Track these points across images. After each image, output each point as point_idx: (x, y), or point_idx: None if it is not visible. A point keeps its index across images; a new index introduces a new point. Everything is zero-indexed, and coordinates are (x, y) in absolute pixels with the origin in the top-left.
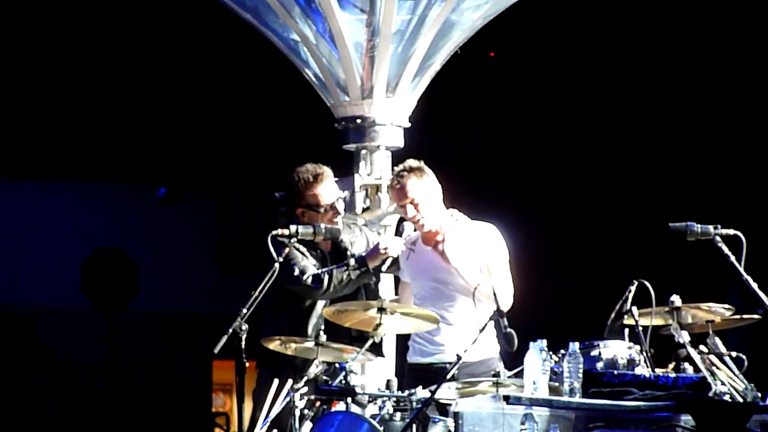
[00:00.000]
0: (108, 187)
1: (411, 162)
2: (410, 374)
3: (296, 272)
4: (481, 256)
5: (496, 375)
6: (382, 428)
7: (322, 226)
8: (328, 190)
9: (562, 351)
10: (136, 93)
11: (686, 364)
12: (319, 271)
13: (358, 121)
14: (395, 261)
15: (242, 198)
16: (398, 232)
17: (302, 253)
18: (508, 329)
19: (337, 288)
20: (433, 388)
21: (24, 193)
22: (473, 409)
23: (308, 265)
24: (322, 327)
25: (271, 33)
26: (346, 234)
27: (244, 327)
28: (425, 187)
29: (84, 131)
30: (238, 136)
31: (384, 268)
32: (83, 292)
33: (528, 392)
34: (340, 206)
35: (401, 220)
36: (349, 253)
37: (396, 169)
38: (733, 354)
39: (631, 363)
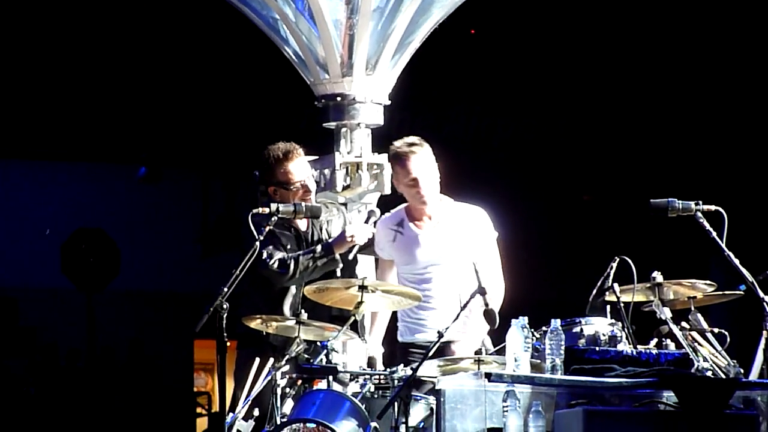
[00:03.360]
0: (88, 167)
1: (413, 138)
2: (401, 353)
3: (264, 256)
4: (471, 239)
5: (478, 352)
6: (363, 406)
7: (303, 204)
8: (298, 167)
9: (544, 328)
10: (117, 73)
11: (668, 341)
12: (286, 256)
13: (338, 98)
14: (369, 244)
15: (223, 177)
16: (367, 220)
17: (275, 234)
18: (490, 306)
19: (303, 274)
20: (414, 366)
21: (3, 174)
22: (455, 386)
23: (276, 250)
24: (300, 306)
25: (250, 11)
26: (324, 213)
27: (225, 306)
28: (431, 162)
29: (64, 111)
30: (219, 116)
31: (351, 256)
32: (63, 273)
33: (510, 369)
34: (311, 184)
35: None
36: (317, 237)
37: (398, 143)
38: (716, 330)
39: (613, 339)
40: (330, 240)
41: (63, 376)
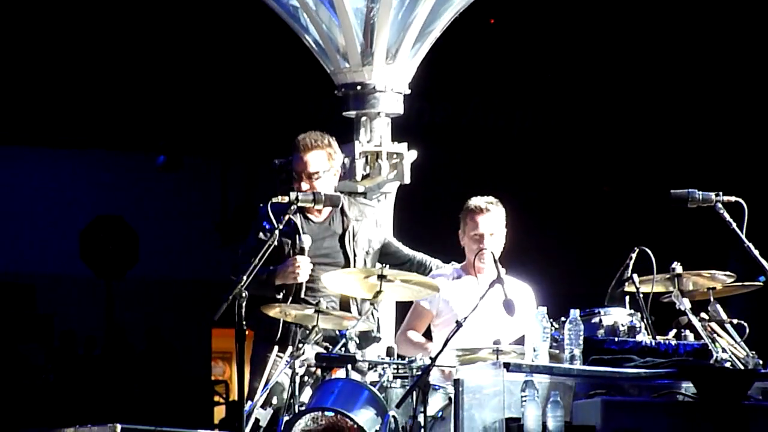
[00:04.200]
0: (108, 155)
1: (491, 197)
2: None
3: (240, 251)
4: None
5: (497, 342)
6: (382, 395)
7: (322, 193)
8: (307, 159)
9: (563, 318)
10: (137, 61)
11: (687, 332)
12: (246, 267)
13: (358, 87)
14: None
15: (242, 165)
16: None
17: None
18: (508, 296)
19: (251, 288)
20: (433, 355)
21: (24, 161)
22: (474, 376)
23: (246, 256)
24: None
25: None
26: (353, 210)
27: (244, 295)
28: (501, 225)
29: (84, 99)
30: (238, 104)
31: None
32: (83, 260)
33: (528, 359)
34: (328, 178)
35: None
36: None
37: (475, 199)
38: (735, 321)
39: (632, 330)
40: (279, 267)
41: (81, 363)
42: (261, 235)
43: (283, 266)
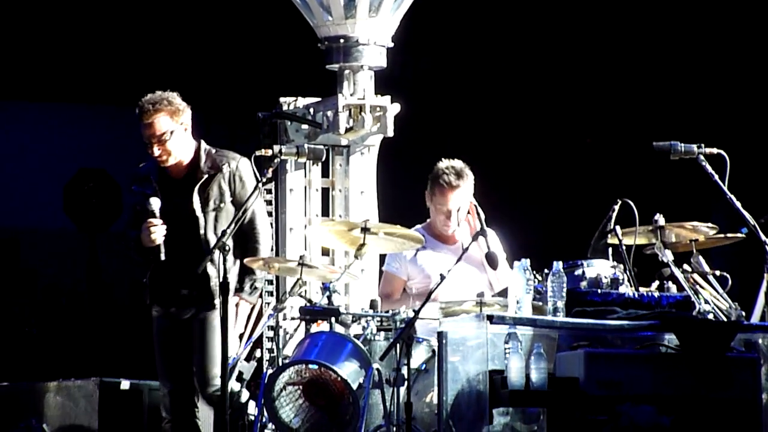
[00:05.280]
0: (91, 108)
1: (460, 165)
2: None
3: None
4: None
5: (480, 294)
6: (366, 348)
7: (305, 146)
8: (149, 123)
9: (546, 270)
10: (119, 15)
11: (670, 283)
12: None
13: (341, 41)
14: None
15: (225, 119)
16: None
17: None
18: (491, 249)
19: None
20: (416, 307)
21: (5, 115)
22: (457, 328)
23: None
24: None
25: None
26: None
27: (228, 247)
28: (469, 196)
29: (67, 53)
30: (220, 58)
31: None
32: (66, 213)
33: (512, 312)
34: (173, 141)
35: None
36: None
37: (445, 167)
38: (717, 273)
39: (615, 282)
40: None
41: (64, 317)
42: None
43: (143, 231)
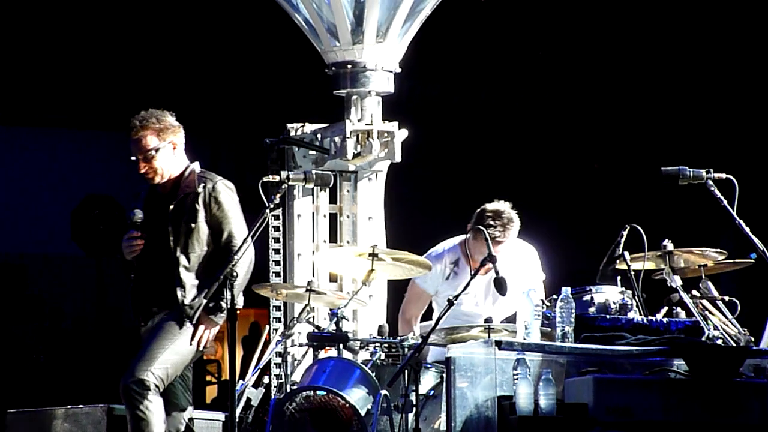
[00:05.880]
0: (98, 135)
1: (511, 214)
2: None
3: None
4: (521, 278)
5: (488, 320)
6: (374, 374)
7: (313, 172)
8: (136, 140)
9: (555, 296)
10: (128, 41)
11: (679, 309)
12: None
13: (349, 66)
14: None
15: (233, 145)
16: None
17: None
18: (500, 275)
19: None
20: (424, 334)
21: (15, 141)
22: (465, 354)
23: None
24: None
25: None
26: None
27: (235, 274)
28: (511, 242)
29: (75, 79)
30: (228, 83)
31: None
32: (73, 240)
33: (520, 337)
34: (159, 159)
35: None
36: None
37: (496, 216)
38: (726, 298)
39: (624, 308)
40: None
41: (71, 343)
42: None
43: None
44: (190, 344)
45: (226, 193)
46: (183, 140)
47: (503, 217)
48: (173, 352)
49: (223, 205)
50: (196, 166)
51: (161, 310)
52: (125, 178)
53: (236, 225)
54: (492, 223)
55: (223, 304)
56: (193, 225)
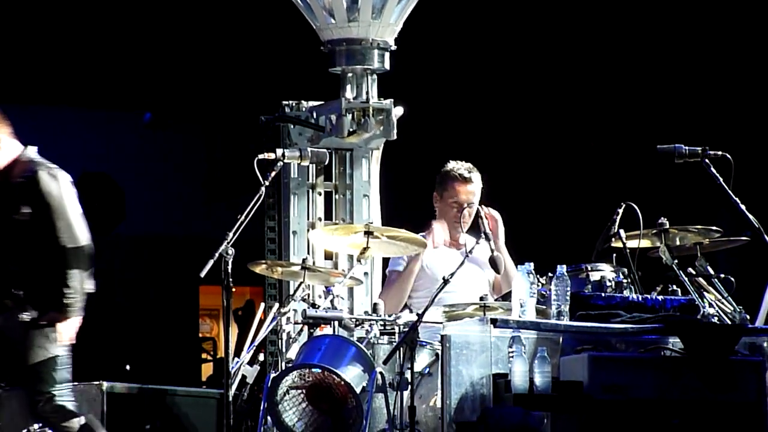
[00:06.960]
0: (93, 113)
1: (470, 165)
2: None
3: None
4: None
5: (483, 298)
6: (369, 352)
7: (308, 149)
8: None
9: (550, 274)
10: (123, 20)
11: (674, 287)
12: None
13: (344, 43)
14: None
15: (228, 122)
16: None
17: None
18: (495, 252)
19: None
20: (420, 311)
21: (9, 119)
22: (460, 332)
23: None
24: None
25: None
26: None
27: (231, 251)
28: (479, 194)
29: (70, 57)
30: (222, 61)
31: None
32: None
33: (515, 315)
34: None
35: None
36: None
37: (456, 165)
38: (722, 276)
39: (619, 285)
40: None
41: None
42: None
43: None
44: None
45: (51, 183)
46: (8, 130)
47: (465, 164)
48: None
49: (48, 196)
50: (25, 153)
51: None
52: (120, 157)
53: (62, 218)
54: (456, 166)
55: (70, 299)
56: (15, 217)
